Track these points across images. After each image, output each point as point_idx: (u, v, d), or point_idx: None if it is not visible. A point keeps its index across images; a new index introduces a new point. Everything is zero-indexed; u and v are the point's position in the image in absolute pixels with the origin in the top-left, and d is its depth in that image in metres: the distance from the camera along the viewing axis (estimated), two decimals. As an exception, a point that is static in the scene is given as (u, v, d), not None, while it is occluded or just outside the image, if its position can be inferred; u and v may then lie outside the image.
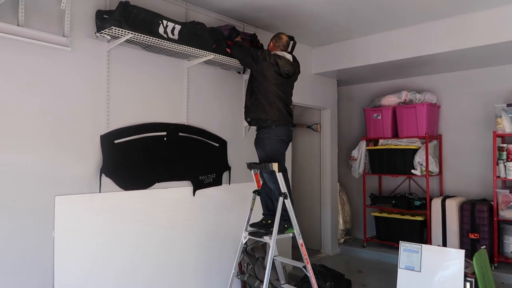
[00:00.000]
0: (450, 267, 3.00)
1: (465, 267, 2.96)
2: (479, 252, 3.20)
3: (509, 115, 4.41)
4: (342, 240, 5.76)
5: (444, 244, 4.70)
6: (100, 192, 2.91)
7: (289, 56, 3.39)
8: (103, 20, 2.74)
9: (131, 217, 3.11)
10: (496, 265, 4.39)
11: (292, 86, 3.45)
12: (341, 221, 5.70)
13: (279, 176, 3.10)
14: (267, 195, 3.39)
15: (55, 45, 2.63)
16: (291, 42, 3.49)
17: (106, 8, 2.93)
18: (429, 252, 3.16)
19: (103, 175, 2.92)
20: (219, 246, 3.79)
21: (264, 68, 3.23)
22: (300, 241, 3.16)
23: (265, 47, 3.70)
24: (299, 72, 3.49)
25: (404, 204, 5.20)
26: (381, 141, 5.42)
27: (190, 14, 3.59)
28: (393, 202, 5.34)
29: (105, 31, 2.68)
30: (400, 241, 3.31)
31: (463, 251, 3.01)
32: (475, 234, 4.49)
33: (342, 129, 6.11)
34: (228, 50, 3.49)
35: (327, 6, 3.70)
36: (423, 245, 3.20)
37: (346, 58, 4.81)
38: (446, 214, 4.74)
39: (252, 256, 3.65)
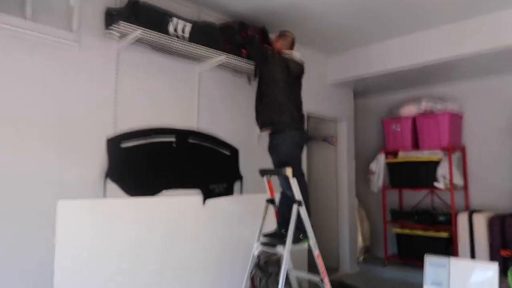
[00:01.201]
0: (482, 283, 2.72)
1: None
2: (513, 267, 2.91)
3: (538, 123, 4.16)
4: (361, 258, 5.44)
5: (473, 262, 4.37)
6: (104, 197, 2.77)
7: (297, 54, 3.28)
8: (112, 17, 2.68)
9: (136, 224, 2.94)
10: (531, 285, 4.04)
11: (301, 86, 3.32)
12: (360, 238, 5.41)
13: (293, 182, 2.91)
14: (286, 203, 3.17)
15: (62, 41, 2.55)
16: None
17: (116, 6, 2.86)
18: (458, 266, 2.86)
19: (108, 179, 2.80)
20: (229, 259, 3.57)
21: (273, 70, 3.15)
22: (316, 252, 2.93)
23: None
24: (304, 71, 3.37)
25: (427, 219, 4.90)
26: (400, 153, 5.18)
27: (202, 17, 3.52)
28: (415, 217, 5.04)
29: (114, 26, 2.61)
30: (425, 255, 3.05)
31: (496, 263, 2.73)
32: (507, 251, 4.16)
33: (359, 141, 5.88)
34: (244, 50, 3.39)
35: (343, 8, 3.58)
36: (451, 258, 2.93)
37: (364, 64, 4.63)
38: (474, 230, 4.41)
39: (265, 271, 3.42)
